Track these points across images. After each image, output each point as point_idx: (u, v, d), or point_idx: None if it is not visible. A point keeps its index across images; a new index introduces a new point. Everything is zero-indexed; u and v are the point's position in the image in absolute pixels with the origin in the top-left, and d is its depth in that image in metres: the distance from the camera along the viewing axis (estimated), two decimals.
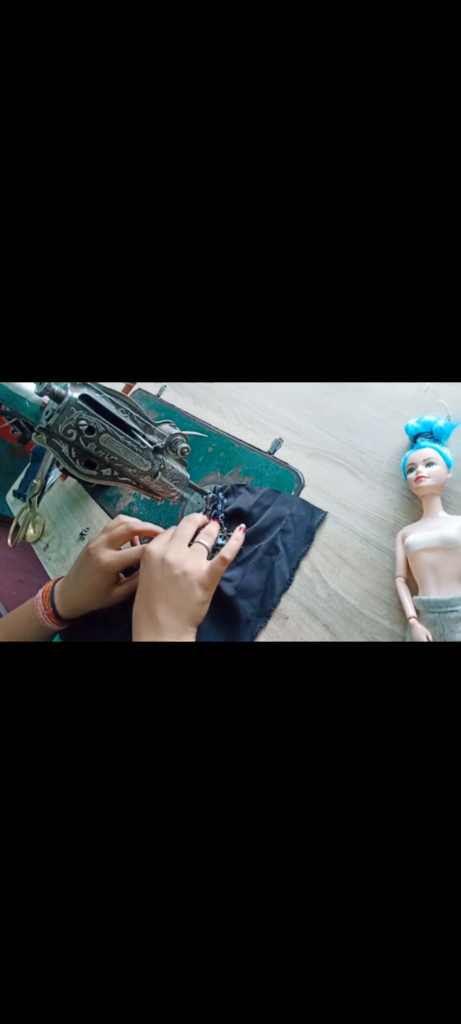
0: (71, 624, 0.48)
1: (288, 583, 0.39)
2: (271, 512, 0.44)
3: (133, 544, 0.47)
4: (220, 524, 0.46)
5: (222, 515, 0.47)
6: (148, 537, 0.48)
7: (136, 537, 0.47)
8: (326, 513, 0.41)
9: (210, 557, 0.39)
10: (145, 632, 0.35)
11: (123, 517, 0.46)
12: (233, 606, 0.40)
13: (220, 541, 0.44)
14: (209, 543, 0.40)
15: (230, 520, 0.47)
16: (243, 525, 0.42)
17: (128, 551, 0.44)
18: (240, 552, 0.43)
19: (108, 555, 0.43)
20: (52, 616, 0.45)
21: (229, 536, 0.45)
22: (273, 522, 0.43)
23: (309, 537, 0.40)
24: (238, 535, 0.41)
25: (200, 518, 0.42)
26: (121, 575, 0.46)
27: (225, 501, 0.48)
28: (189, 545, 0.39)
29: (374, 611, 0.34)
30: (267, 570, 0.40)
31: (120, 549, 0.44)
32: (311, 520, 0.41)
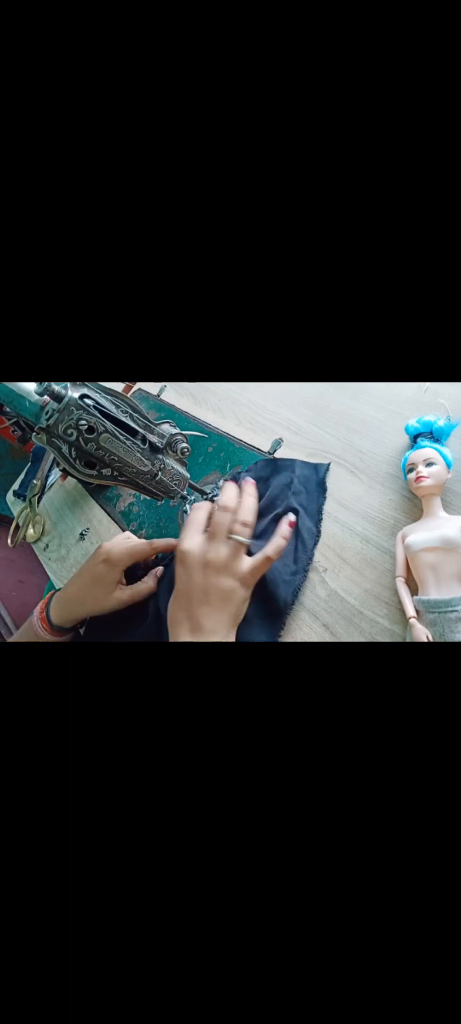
0: (74, 633, 0.47)
1: (317, 536, 0.40)
2: (276, 481, 0.45)
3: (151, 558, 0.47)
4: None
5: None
6: (167, 551, 0.47)
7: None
8: (329, 464, 0.43)
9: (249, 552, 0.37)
10: (186, 638, 0.33)
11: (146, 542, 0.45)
12: (269, 571, 0.38)
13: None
14: (245, 535, 0.36)
15: None
16: (293, 518, 0.37)
17: (138, 545, 0.43)
18: (258, 524, 0.41)
19: (118, 547, 0.43)
20: (44, 621, 0.44)
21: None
22: (281, 489, 0.44)
23: (322, 490, 0.42)
24: (285, 531, 0.36)
25: (233, 503, 0.37)
26: (123, 580, 0.45)
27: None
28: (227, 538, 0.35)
29: (374, 611, 0.34)
30: (293, 532, 0.40)
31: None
32: (317, 475, 0.43)
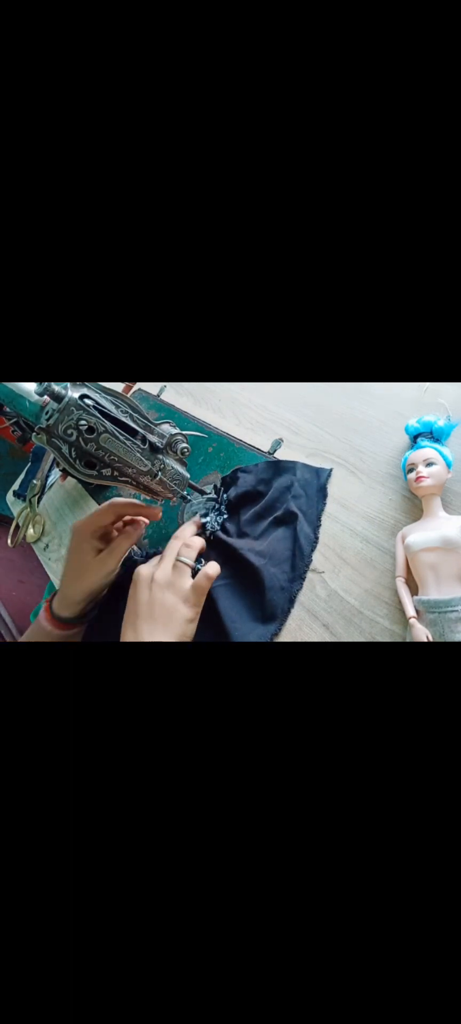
0: (81, 623, 0.47)
1: (315, 542, 0.40)
2: (277, 484, 0.45)
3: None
4: (211, 527, 0.46)
5: (224, 504, 0.48)
6: (147, 518, 0.47)
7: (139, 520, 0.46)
8: (331, 470, 0.42)
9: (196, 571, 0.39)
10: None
11: (113, 500, 0.45)
12: (266, 574, 0.40)
13: (215, 524, 0.45)
14: (190, 557, 0.39)
15: (240, 505, 0.47)
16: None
17: (99, 510, 0.43)
18: (257, 526, 0.43)
19: (81, 519, 0.44)
20: (48, 612, 0.45)
21: (234, 520, 0.45)
22: (282, 492, 0.44)
23: (322, 495, 0.41)
24: (216, 566, 0.39)
25: (188, 532, 0.42)
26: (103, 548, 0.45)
27: (225, 495, 0.48)
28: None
29: (374, 611, 0.34)
30: (291, 536, 0.41)
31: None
32: (319, 480, 0.43)
